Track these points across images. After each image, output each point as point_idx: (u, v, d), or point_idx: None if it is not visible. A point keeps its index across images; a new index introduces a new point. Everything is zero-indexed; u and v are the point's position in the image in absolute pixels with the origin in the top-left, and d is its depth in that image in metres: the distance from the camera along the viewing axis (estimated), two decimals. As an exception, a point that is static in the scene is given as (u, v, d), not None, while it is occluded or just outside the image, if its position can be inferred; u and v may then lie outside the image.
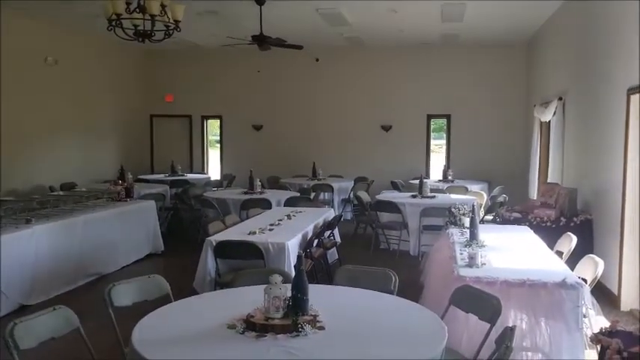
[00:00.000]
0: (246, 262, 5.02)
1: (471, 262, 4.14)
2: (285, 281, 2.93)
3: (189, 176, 11.74)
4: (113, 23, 5.80)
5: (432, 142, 12.94)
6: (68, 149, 10.85)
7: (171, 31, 6.11)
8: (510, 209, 7.60)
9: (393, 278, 3.61)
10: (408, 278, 5.26)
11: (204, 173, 13.10)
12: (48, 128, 10.32)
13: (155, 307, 3.17)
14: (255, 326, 2.73)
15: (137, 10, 5.76)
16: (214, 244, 5.13)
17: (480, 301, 3.24)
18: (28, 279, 5.48)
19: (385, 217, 8.30)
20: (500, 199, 8.53)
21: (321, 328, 2.76)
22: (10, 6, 8.89)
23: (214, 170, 13.82)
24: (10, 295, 5.24)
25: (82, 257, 6.34)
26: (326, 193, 10.42)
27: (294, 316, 2.76)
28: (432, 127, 12.85)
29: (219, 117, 13.59)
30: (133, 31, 6.00)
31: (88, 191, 7.60)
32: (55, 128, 10.51)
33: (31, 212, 6.07)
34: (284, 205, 8.05)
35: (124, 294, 3.39)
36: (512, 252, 4.76)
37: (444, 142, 12.96)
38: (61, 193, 7.81)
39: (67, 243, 6.11)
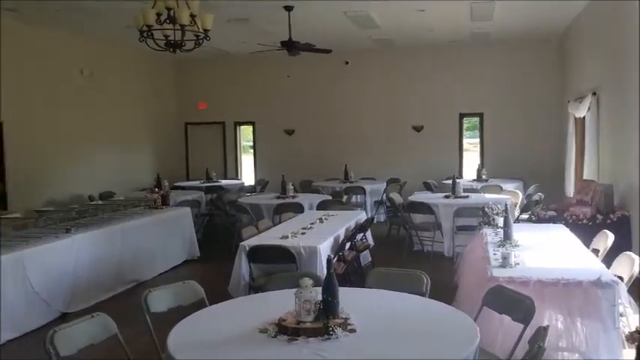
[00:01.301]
0: (279, 266, 5.06)
1: (504, 262, 4.09)
2: (316, 284, 2.95)
3: (224, 182, 11.88)
4: (144, 34, 5.94)
5: (465, 141, 12.78)
6: (106, 159, 11.15)
7: (201, 41, 6.21)
8: (546, 207, 7.46)
9: (425, 280, 3.59)
10: (442, 279, 5.22)
11: (238, 179, 13.24)
12: (86, 139, 10.63)
13: (190, 312, 3.23)
14: (286, 330, 2.76)
15: (167, 20, 5.88)
16: (248, 248, 5.19)
17: (513, 301, 3.20)
18: (69, 287, 5.64)
19: (418, 218, 8.24)
20: (536, 197, 8.38)
21: (352, 330, 2.77)
22: (46, 20, 9.20)
23: (248, 176, 13.96)
24: (51, 304, 5.40)
25: (121, 265, 6.49)
26: (358, 196, 10.41)
27: (325, 319, 2.77)
28: (464, 125, 12.70)
29: (252, 123, 13.74)
30: (164, 41, 6.13)
31: (125, 200, 7.78)
32: (93, 138, 10.81)
33: (70, 222, 6.25)
34: (316, 209, 8.08)
35: (159, 300, 3.46)
36: (547, 251, 4.67)
37: (477, 140, 12.80)
38: (99, 202, 8.01)
39: (106, 251, 6.26)
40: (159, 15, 5.84)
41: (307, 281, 2.88)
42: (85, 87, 10.65)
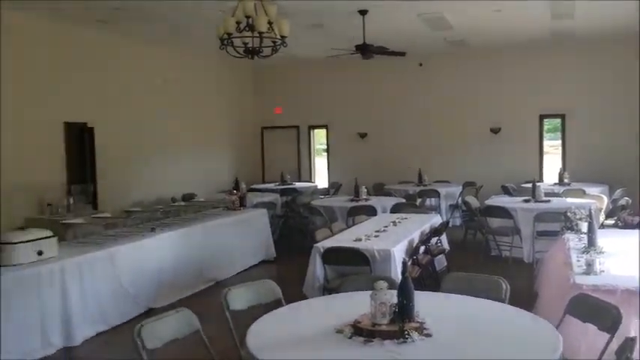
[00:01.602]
0: (352, 268, 5.10)
1: (589, 269, 3.92)
2: (390, 287, 2.96)
3: (298, 185, 12.07)
4: (225, 42, 6.18)
5: (545, 143, 12.31)
6: (188, 162, 11.65)
7: (278, 47, 6.37)
8: (633, 213, 7.08)
9: (504, 286, 3.51)
10: (521, 286, 5.07)
11: (312, 182, 13.42)
12: (169, 143, 11.15)
13: (267, 310, 3.33)
14: (362, 331, 2.79)
15: (246, 28, 6.08)
16: (322, 250, 5.26)
17: (598, 310, 3.07)
18: (155, 284, 5.93)
19: (496, 222, 8.03)
20: (622, 202, 7.95)
21: (428, 335, 2.76)
22: (134, 33, 9.73)
23: (321, 178, 14.11)
24: (138, 299, 5.70)
25: (201, 263, 6.75)
26: (432, 199, 10.27)
27: (401, 322, 2.78)
28: (545, 127, 12.24)
29: (325, 126, 13.89)
30: (243, 48, 6.34)
31: (206, 201, 8.09)
32: (176, 143, 11.33)
33: (155, 221, 6.57)
34: (389, 212, 8.05)
35: (239, 298, 3.58)
36: (634, 258, 4.44)
37: (558, 142, 12.29)
38: (182, 203, 8.36)
39: (188, 250, 6.53)
40: (238, 23, 6.05)
41: (382, 284, 2.90)
42: (169, 93, 11.17)
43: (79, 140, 9.26)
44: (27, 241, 4.72)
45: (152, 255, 5.98)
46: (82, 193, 8.02)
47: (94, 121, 9.42)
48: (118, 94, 9.97)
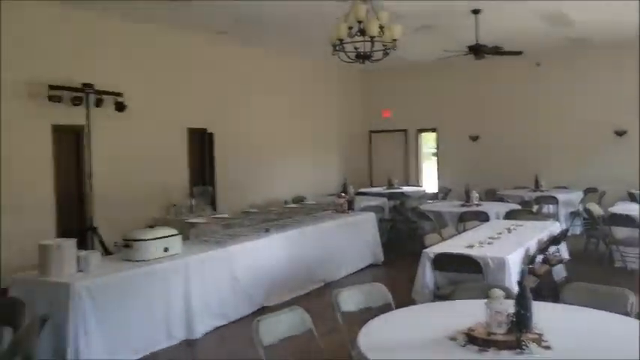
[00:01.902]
0: (463, 275, 4.98)
1: None
2: (505, 297, 2.88)
3: (405, 189, 11.98)
4: (337, 48, 6.30)
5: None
6: (298, 165, 12.00)
7: (389, 50, 6.40)
8: None
9: (631, 298, 3.28)
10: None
11: (420, 186, 13.26)
12: (282, 147, 11.56)
13: (377, 313, 3.35)
14: (477, 340, 2.74)
15: (358, 33, 6.17)
16: (432, 256, 5.19)
17: None
18: (268, 282, 6.16)
19: (621, 232, 7.47)
20: None
21: (547, 347, 2.65)
22: (248, 42, 10.20)
23: (429, 183, 13.89)
24: (253, 296, 5.95)
25: (312, 264, 6.91)
26: (550, 206, 9.74)
27: (518, 332, 2.69)
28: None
29: (435, 129, 13.67)
30: (354, 53, 6.44)
31: (316, 204, 8.26)
32: (287, 147, 11.71)
33: (269, 222, 6.82)
34: (503, 218, 7.77)
35: (349, 300, 3.64)
36: None
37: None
38: (293, 205, 8.60)
39: (299, 251, 6.72)
40: (350, 28, 6.15)
41: (498, 292, 2.82)
42: (280, 99, 11.58)
43: (200, 145, 9.87)
44: (155, 239, 5.10)
45: (266, 254, 6.21)
46: (202, 194, 8.52)
47: (214, 127, 9.99)
48: (235, 101, 10.50)
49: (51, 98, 7.30)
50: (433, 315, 3.45)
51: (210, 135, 9.96)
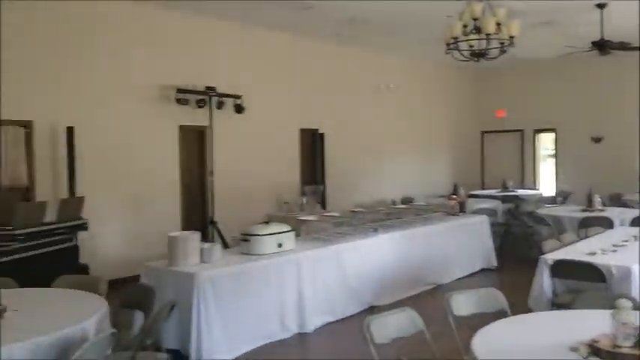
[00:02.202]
0: (584, 283, 4.72)
1: None
2: (632, 308, 2.71)
3: (520, 192, 11.50)
4: (451, 46, 6.21)
5: None
6: (407, 166, 11.93)
7: (505, 48, 6.20)
8: None
9: None
10: None
11: (536, 189, 12.66)
12: (390, 147, 11.55)
13: (491, 319, 3.28)
14: (601, 352, 2.60)
15: (473, 30, 6.03)
16: (550, 262, 4.97)
17: None
18: (376, 282, 6.21)
19: None
20: None
21: (681, 365, 2.47)
22: (358, 43, 10.30)
23: (546, 186, 13.22)
24: (362, 295, 6.02)
25: (420, 266, 6.86)
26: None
27: (647, 347, 2.53)
28: None
29: (553, 130, 12.98)
30: (469, 51, 6.30)
31: (425, 205, 8.19)
32: (395, 147, 11.69)
33: (377, 222, 6.86)
34: (629, 226, 7.23)
35: (462, 304, 3.59)
36: None
37: None
38: (402, 206, 8.58)
39: (408, 252, 6.69)
40: (465, 26, 6.03)
41: (626, 303, 2.66)
42: (390, 99, 11.58)
43: (312, 145, 10.14)
44: (270, 234, 5.33)
45: (374, 254, 6.26)
46: (313, 193, 8.76)
47: (325, 127, 10.22)
48: (346, 102, 10.66)
49: (178, 101, 7.86)
50: (552, 324, 3.32)
51: (322, 135, 10.19)
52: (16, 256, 5.32)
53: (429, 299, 6.49)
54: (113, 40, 7.45)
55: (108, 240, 7.36)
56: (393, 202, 9.97)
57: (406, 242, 6.73)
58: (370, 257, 6.20)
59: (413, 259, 6.76)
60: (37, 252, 5.57)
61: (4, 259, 5.20)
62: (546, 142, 13.63)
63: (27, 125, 6.71)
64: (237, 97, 8.55)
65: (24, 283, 4.16)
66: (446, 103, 13.23)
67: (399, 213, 7.58)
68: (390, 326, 3.24)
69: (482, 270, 7.93)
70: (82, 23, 7.17)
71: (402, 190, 11.04)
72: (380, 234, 6.46)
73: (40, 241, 5.62)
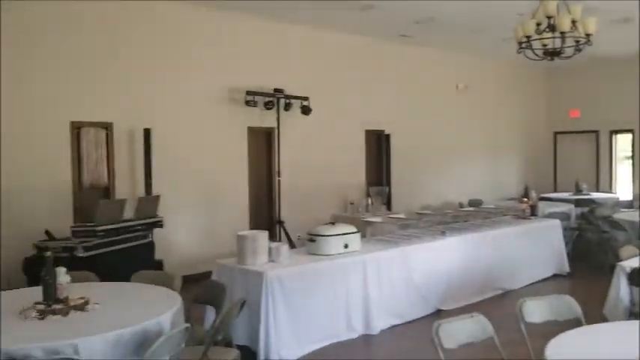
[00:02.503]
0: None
1: None
2: None
3: (595, 195, 11.03)
4: (523, 45, 6.06)
5: None
6: (475, 167, 11.70)
7: (581, 46, 5.99)
8: None
9: None
10: None
11: (612, 193, 12.09)
12: (458, 148, 11.36)
13: (564, 328, 3.18)
14: (684, 367, 2.48)
15: (547, 29, 5.86)
16: (628, 270, 4.75)
17: None
18: (443, 286, 6.13)
19: None
20: None
21: None
22: (428, 43, 10.19)
23: (623, 189, 12.59)
24: (428, 299, 5.96)
25: (489, 271, 6.71)
26: None
27: None
28: None
29: (631, 131, 12.35)
30: (542, 50, 6.13)
31: (494, 208, 8.00)
32: (464, 148, 11.49)
33: (445, 225, 6.76)
34: None
35: (534, 310, 3.49)
36: None
37: None
38: (470, 208, 8.42)
39: (476, 256, 6.56)
40: (538, 24, 5.87)
41: None
42: (459, 100, 11.39)
43: (377, 146, 10.13)
44: (336, 235, 5.37)
45: (442, 257, 6.18)
46: (378, 194, 8.74)
47: (391, 128, 10.18)
48: (412, 103, 10.58)
49: (247, 103, 8.06)
50: (629, 334, 3.17)
51: (388, 136, 10.15)
52: (97, 251, 5.63)
53: (497, 305, 6.35)
54: (186, 45, 7.73)
55: (180, 237, 7.65)
56: (461, 205, 9.80)
57: (475, 246, 6.60)
58: (437, 260, 6.12)
59: (481, 264, 6.63)
60: (116, 248, 5.87)
61: (86, 253, 5.51)
62: (623, 144, 12.97)
63: (107, 127, 7.08)
64: (304, 98, 8.66)
65: (104, 277, 4.40)
66: (517, 103, 12.86)
67: (467, 216, 7.43)
68: (459, 331, 3.20)
69: (554, 276, 7.66)
70: (156, 29, 7.48)
71: (470, 193, 10.83)
72: (448, 237, 6.37)
73: (119, 238, 5.92)
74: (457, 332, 3.20)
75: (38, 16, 6.50)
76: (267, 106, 8.27)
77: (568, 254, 8.01)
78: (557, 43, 5.95)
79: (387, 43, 10.05)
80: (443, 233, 6.42)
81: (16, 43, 6.35)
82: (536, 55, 6.16)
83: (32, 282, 4.99)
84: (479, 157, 11.89)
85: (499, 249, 6.87)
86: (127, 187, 7.19)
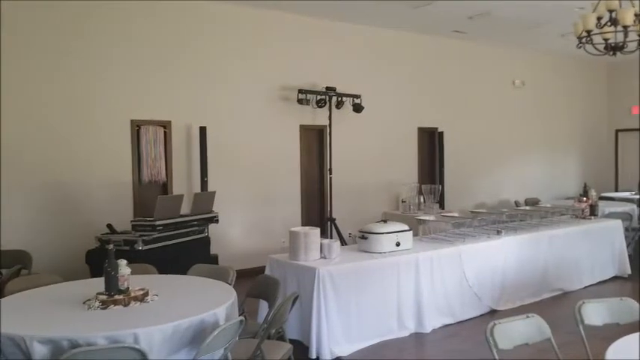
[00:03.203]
0: None
1: None
2: None
3: (659, 195, 10.54)
4: (583, 40, 5.86)
5: None
6: (532, 165, 11.39)
7: (645, 41, 5.74)
8: None
9: None
10: None
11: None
12: (514, 146, 11.09)
13: (625, 332, 3.07)
14: None
15: (608, 23, 5.65)
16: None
17: None
18: (498, 286, 6.01)
19: None
20: None
21: None
22: (481, 39, 9.99)
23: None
24: (482, 298, 5.86)
25: (546, 271, 6.54)
26: None
27: None
28: None
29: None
30: (603, 45, 5.91)
31: (552, 207, 7.78)
32: (520, 146, 11.20)
33: (500, 224, 6.62)
34: None
35: (594, 313, 3.39)
36: None
37: None
38: (526, 207, 8.22)
39: (532, 256, 6.40)
40: (599, 18, 5.67)
41: None
42: (515, 96, 11.11)
43: (430, 143, 10.02)
44: (388, 233, 5.36)
45: (496, 257, 6.06)
46: (431, 192, 8.64)
47: (444, 125, 10.04)
48: (466, 100, 10.40)
49: (300, 101, 8.13)
50: (698, 341, 3.04)
51: (441, 134, 10.02)
52: (156, 245, 5.81)
53: (554, 307, 6.19)
54: (240, 44, 7.88)
55: (234, 233, 7.81)
56: (517, 204, 9.57)
57: (531, 246, 6.44)
58: (492, 260, 6.01)
59: (538, 264, 6.46)
60: (173, 242, 6.04)
61: (145, 247, 5.71)
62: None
63: (165, 125, 7.30)
64: (356, 96, 8.66)
65: (162, 270, 4.54)
66: (576, 100, 12.43)
67: (523, 215, 7.25)
68: (515, 332, 3.14)
69: (615, 278, 7.39)
70: (211, 29, 7.66)
71: (527, 191, 10.57)
72: (503, 237, 6.24)
73: (176, 232, 6.09)
74: (512, 333, 3.14)
75: (100, 18, 6.77)
76: (319, 104, 8.31)
77: (630, 256, 7.71)
78: (620, 37, 5.73)
79: (440, 40, 9.92)
80: (499, 232, 6.29)
81: (82, 44, 6.64)
82: (597, 50, 5.95)
83: (95, 273, 5.22)
84: (536, 154, 11.56)
85: (557, 249, 6.68)
86: (184, 184, 7.41)
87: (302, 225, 7.90)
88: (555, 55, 11.39)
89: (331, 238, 7.74)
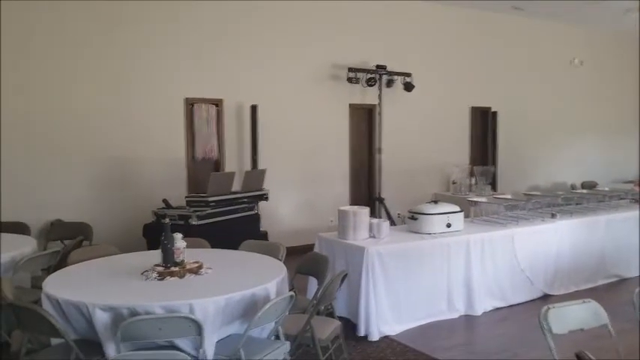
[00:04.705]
0: None
1: None
2: None
3: None
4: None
5: None
6: (589, 148, 10.99)
7: None
8: None
9: None
10: None
11: None
12: (570, 127, 10.72)
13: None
14: None
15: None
16: None
17: None
18: (551, 270, 5.86)
19: None
20: None
21: None
22: (544, 13, 9.63)
23: None
24: (534, 282, 5.74)
25: (602, 257, 6.33)
26: None
27: None
28: None
29: None
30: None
31: (610, 191, 7.50)
32: (577, 127, 10.82)
33: (555, 207, 6.44)
34: None
35: (654, 300, 3.28)
36: None
37: None
38: (583, 191, 7.96)
39: (588, 241, 6.21)
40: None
41: None
42: (573, 75, 10.71)
43: (483, 124, 9.80)
44: (439, 214, 5.30)
45: (550, 241, 5.90)
46: (482, 174, 8.48)
47: (498, 105, 9.79)
48: (522, 78, 10.09)
49: (349, 80, 8.08)
50: None
51: (494, 113, 9.78)
52: (208, 220, 5.95)
53: (611, 292, 6.02)
54: (290, 22, 7.87)
55: (284, 210, 7.89)
56: (573, 187, 9.28)
57: (587, 230, 6.24)
58: (546, 244, 5.86)
59: (593, 249, 6.26)
60: (225, 218, 6.17)
61: (199, 222, 5.85)
62: None
63: (218, 104, 7.41)
64: (407, 74, 8.53)
65: (214, 244, 4.65)
66: (635, 80, 11.85)
67: (579, 198, 7.02)
68: (570, 317, 3.07)
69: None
70: (262, 7, 7.68)
71: (583, 174, 10.22)
72: (558, 220, 6.06)
73: (228, 208, 6.21)
74: (567, 317, 3.07)
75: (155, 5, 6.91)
76: (369, 82, 8.24)
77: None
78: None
79: (497, 16, 9.62)
80: (553, 216, 6.12)
81: (140, 26, 6.79)
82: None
83: (151, 246, 5.39)
84: (594, 136, 11.14)
85: (614, 234, 6.45)
86: (235, 161, 7.52)
87: (350, 204, 7.90)
88: (617, 33, 10.85)
89: (380, 218, 7.72)
